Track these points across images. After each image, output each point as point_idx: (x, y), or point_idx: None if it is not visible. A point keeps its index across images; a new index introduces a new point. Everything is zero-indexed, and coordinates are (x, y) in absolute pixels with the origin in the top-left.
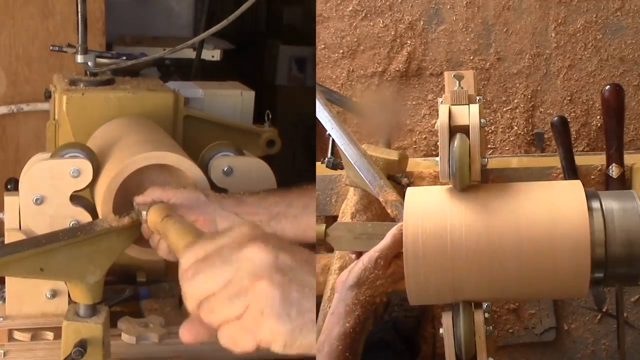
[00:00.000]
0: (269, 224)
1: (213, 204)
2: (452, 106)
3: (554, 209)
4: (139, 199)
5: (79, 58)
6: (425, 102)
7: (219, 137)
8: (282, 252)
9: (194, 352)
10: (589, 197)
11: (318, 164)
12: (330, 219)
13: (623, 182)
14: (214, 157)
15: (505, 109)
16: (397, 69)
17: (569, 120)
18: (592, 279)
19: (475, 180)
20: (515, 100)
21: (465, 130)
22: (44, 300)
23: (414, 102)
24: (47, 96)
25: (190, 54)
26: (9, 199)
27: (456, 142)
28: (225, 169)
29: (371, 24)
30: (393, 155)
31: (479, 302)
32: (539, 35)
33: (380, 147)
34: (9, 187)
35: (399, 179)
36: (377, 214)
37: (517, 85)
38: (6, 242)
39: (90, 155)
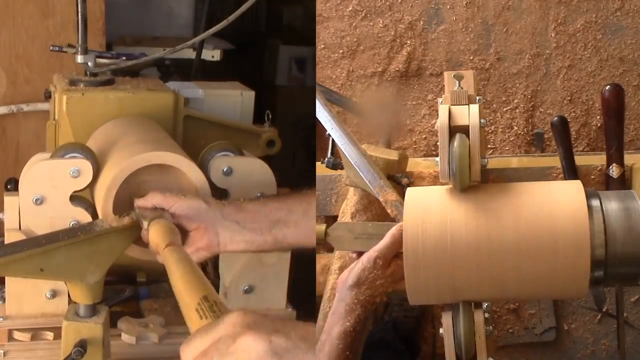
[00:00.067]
0: (270, 232)
1: (214, 212)
2: (452, 106)
3: (554, 209)
4: (139, 202)
5: (79, 58)
6: (425, 102)
7: (219, 137)
8: (276, 335)
9: None
10: (589, 197)
11: (318, 164)
12: (330, 219)
13: (623, 182)
14: (214, 157)
15: (505, 109)
16: (397, 69)
17: (569, 120)
18: (592, 279)
19: (475, 181)
20: (515, 100)
21: (465, 130)
22: (44, 300)
23: (413, 102)
24: (47, 96)
25: (190, 54)
26: (9, 199)
27: (456, 142)
28: (225, 169)
29: (371, 24)
30: (393, 155)
31: (479, 302)
32: (538, 35)
33: (380, 147)
34: (9, 187)
35: (399, 179)
36: (377, 214)
37: (517, 85)
38: (6, 242)
39: (90, 155)
